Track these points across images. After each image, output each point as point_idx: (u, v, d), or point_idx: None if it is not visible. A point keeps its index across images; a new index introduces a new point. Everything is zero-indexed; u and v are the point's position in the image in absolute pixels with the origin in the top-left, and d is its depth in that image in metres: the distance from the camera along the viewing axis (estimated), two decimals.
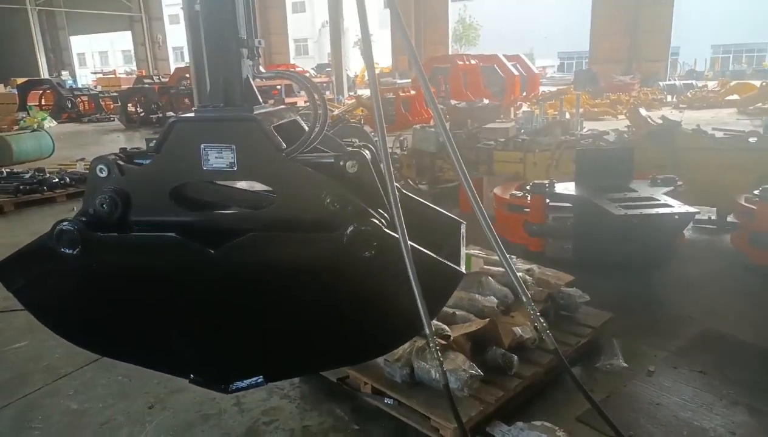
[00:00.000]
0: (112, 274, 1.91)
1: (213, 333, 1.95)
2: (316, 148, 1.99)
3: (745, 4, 40.48)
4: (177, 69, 23.24)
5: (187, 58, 30.65)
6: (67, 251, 1.85)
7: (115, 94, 22.02)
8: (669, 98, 19.68)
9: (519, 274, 3.36)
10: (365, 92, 20.17)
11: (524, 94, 17.57)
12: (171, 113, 16.12)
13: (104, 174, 1.91)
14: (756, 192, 4.41)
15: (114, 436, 2.73)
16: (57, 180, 8.23)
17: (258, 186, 2.11)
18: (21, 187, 7.80)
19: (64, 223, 1.85)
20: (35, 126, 14.95)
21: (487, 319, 2.94)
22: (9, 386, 3.18)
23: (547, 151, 6.26)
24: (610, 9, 24.91)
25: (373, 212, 1.81)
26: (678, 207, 4.16)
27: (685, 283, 4.35)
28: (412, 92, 15.79)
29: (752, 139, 5.93)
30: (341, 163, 1.86)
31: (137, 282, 1.92)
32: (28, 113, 18.57)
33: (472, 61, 16.82)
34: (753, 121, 12.96)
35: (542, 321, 2.03)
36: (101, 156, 1.91)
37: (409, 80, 20.26)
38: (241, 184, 2.27)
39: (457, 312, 3.03)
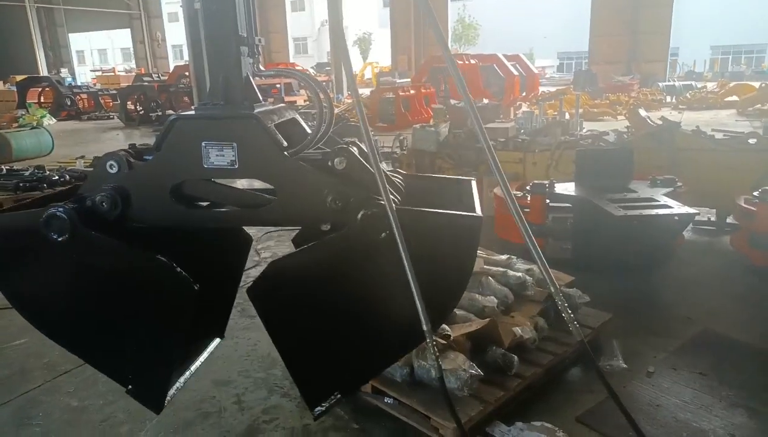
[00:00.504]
0: (95, 272, 1.91)
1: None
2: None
3: (744, 6, 40.52)
4: (176, 67, 23.27)
5: (186, 56, 30.64)
6: (54, 236, 1.85)
7: (114, 91, 22.01)
8: (668, 99, 19.70)
9: (518, 275, 3.39)
10: (365, 91, 20.15)
11: (524, 94, 17.60)
12: (170, 111, 16.10)
13: (114, 170, 1.91)
14: (755, 193, 4.42)
15: (114, 433, 2.74)
16: (57, 177, 8.21)
17: (257, 184, 2.11)
18: (20, 185, 7.78)
19: (59, 209, 1.83)
20: (34, 123, 14.95)
21: (488, 319, 2.95)
22: (10, 383, 3.18)
23: (546, 151, 6.27)
24: (609, 9, 24.91)
25: (377, 197, 1.82)
26: (677, 208, 4.17)
27: (685, 284, 4.36)
28: (412, 91, 15.79)
29: (752, 140, 5.94)
30: (329, 163, 1.86)
31: (119, 288, 1.92)
32: (28, 111, 18.55)
33: (472, 61, 16.84)
34: (752, 122, 12.98)
35: (569, 311, 2.05)
36: (112, 152, 1.91)
37: (409, 79, 20.26)
38: (240, 183, 2.28)
39: (457, 312, 3.03)
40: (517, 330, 2.96)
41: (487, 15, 48.11)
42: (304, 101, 18.34)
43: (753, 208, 4.40)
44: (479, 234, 1.82)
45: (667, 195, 4.50)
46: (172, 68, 26.76)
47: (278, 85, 18.80)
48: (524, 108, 15.60)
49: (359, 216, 1.77)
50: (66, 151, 12.02)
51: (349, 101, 19.65)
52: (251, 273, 4.83)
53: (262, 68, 2.19)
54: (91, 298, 1.96)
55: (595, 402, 2.77)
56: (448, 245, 1.81)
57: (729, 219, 5.48)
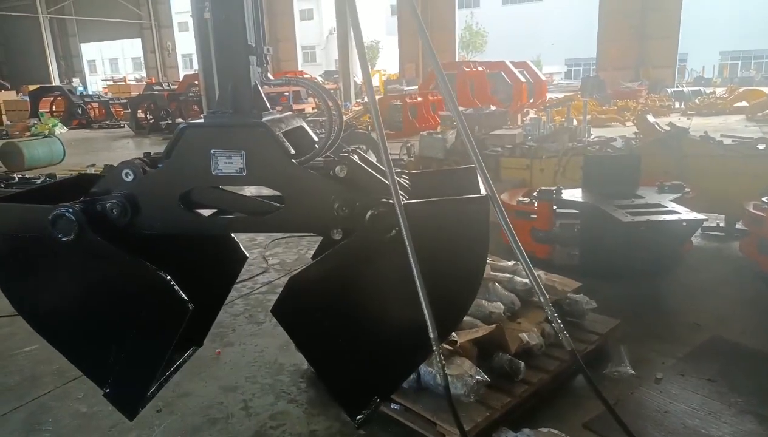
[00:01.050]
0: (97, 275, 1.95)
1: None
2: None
3: (753, 11, 40.31)
4: (186, 76, 23.45)
5: (195, 66, 30.89)
6: (59, 235, 1.87)
7: (125, 100, 22.25)
8: (677, 105, 19.61)
9: (525, 281, 3.39)
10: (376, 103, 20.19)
11: (531, 100, 17.57)
12: (180, 120, 16.25)
13: (130, 178, 1.94)
14: (764, 199, 4.39)
15: None
16: None
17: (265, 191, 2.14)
18: None
19: (68, 209, 1.86)
20: (46, 132, 15.15)
21: (494, 325, 2.95)
22: (20, 389, 3.22)
23: (554, 158, 6.27)
24: (617, 15, 24.88)
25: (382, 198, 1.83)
26: (685, 214, 4.15)
27: (693, 290, 4.33)
28: (419, 99, 15.84)
29: (761, 146, 5.91)
30: (331, 172, 1.89)
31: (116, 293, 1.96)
32: (40, 120, 18.80)
33: (479, 68, 16.86)
34: (762, 127, 12.90)
35: (559, 322, 2.03)
36: (128, 160, 1.94)
37: (416, 87, 20.32)
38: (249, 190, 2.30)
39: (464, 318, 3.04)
40: (524, 336, 2.96)
41: (495, 22, 48.22)
42: (312, 109, 18.46)
43: (762, 214, 4.37)
44: (488, 216, 1.81)
45: (675, 201, 4.48)
46: (182, 77, 26.97)
47: (287, 93, 18.92)
48: (532, 114, 15.59)
49: (367, 217, 1.79)
50: (77, 159, 12.16)
51: (357, 109, 19.73)
52: (259, 279, 4.87)
53: (271, 77, 2.22)
54: (84, 299, 1.99)
55: (603, 409, 2.75)
56: (458, 232, 1.81)
57: (738, 225, 5.44)
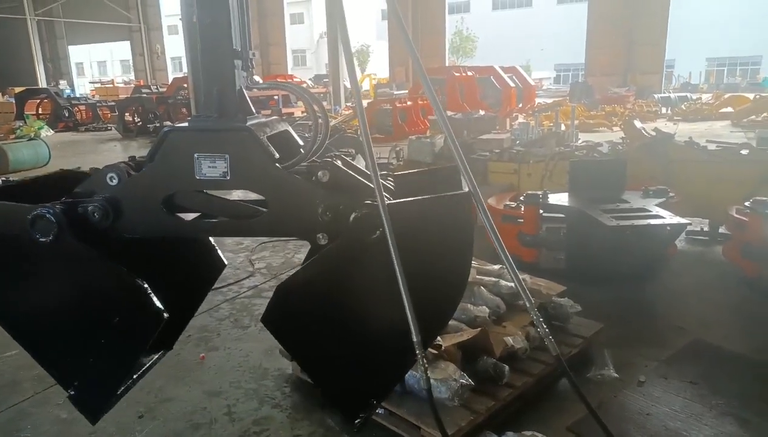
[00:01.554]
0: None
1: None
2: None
3: (740, 18, 40.93)
4: (175, 79, 23.37)
5: (185, 69, 30.78)
6: (37, 236, 1.85)
7: (112, 103, 22.09)
8: (664, 110, 19.83)
9: (510, 284, 3.40)
10: (363, 103, 20.23)
11: (520, 105, 17.69)
12: (168, 123, 16.17)
13: (114, 182, 1.93)
14: (747, 204, 4.44)
15: None
16: None
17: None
18: None
19: (48, 210, 1.84)
20: (32, 135, 15.00)
21: (479, 329, 2.95)
22: None
23: (541, 162, 6.30)
24: (605, 22, 25.14)
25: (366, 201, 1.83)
26: (670, 218, 4.20)
27: (677, 294, 4.37)
28: (409, 103, 15.87)
29: (744, 151, 5.99)
30: (313, 177, 1.88)
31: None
32: (25, 122, 18.62)
33: (469, 73, 16.94)
34: (746, 133, 13.05)
35: (544, 326, 2.04)
36: (113, 164, 1.92)
37: (406, 91, 20.37)
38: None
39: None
40: (509, 339, 2.97)
41: (485, 27, 48.51)
42: (302, 112, 18.43)
43: (745, 219, 4.42)
44: (470, 213, 1.81)
45: (659, 205, 4.52)
46: (170, 80, 26.86)
47: (276, 97, 18.90)
48: (521, 119, 15.68)
49: (351, 219, 1.79)
50: (63, 162, 12.04)
51: (347, 112, 19.74)
52: (245, 283, 4.84)
53: (259, 80, 2.21)
54: (57, 301, 1.97)
55: (586, 412, 2.76)
56: (442, 229, 1.80)
57: (721, 230, 5.50)
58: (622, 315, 3.94)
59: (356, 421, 1.94)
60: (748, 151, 6.02)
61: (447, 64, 27.41)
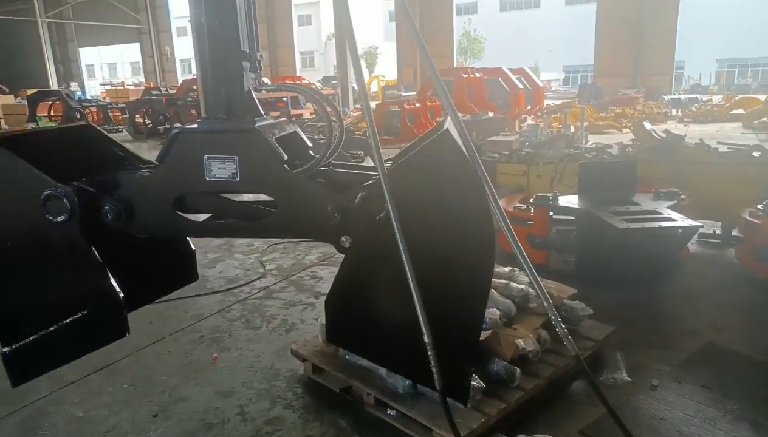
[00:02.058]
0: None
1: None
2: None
3: (751, 19, 40.60)
4: (184, 81, 23.47)
5: (194, 70, 30.92)
6: (45, 213, 1.93)
7: (123, 105, 22.20)
8: (674, 112, 19.71)
9: (521, 287, 3.40)
10: (371, 105, 20.28)
11: (529, 107, 17.63)
12: (178, 124, 16.26)
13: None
14: (760, 206, 4.42)
15: None
16: None
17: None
18: None
19: (65, 192, 1.91)
20: None
21: (490, 331, 2.95)
22: (17, 392, 3.17)
23: (550, 164, 6.29)
24: (614, 23, 25.04)
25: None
26: (681, 221, 4.17)
27: (689, 297, 4.34)
28: (417, 105, 15.87)
29: (756, 153, 5.94)
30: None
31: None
32: (38, 124, 18.78)
33: (477, 74, 16.91)
34: (758, 134, 12.95)
35: (563, 326, 2.03)
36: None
37: (414, 93, 20.37)
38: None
39: None
40: (520, 342, 2.96)
41: (493, 29, 48.43)
42: (311, 114, 18.48)
43: (757, 221, 4.39)
44: (460, 147, 1.78)
45: (670, 208, 4.50)
46: (180, 82, 27.00)
47: (285, 99, 18.95)
48: (529, 121, 15.64)
49: (357, 200, 1.82)
50: None
51: (356, 114, 19.76)
52: (256, 284, 4.87)
53: (267, 81, 2.24)
54: (36, 271, 2.05)
55: (599, 415, 2.76)
56: (441, 172, 1.77)
57: (734, 232, 5.46)
58: (633, 318, 3.92)
59: (468, 399, 1.94)
60: (760, 152, 5.97)
61: (455, 66, 27.41)
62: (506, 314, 3.24)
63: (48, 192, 1.90)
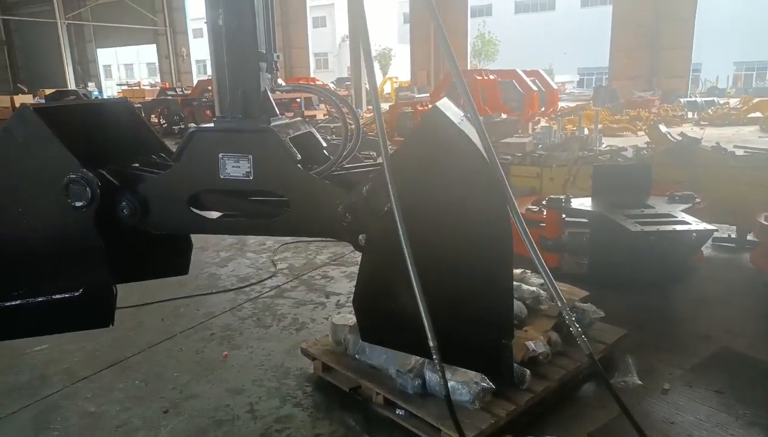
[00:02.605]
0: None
1: None
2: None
3: None
4: (199, 81, 23.67)
5: (209, 71, 31.18)
6: (65, 197, 1.97)
7: (139, 105, 22.44)
8: (690, 115, 19.50)
9: (532, 289, 3.39)
10: (384, 106, 20.32)
11: (542, 109, 17.53)
12: (193, 124, 16.41)
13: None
14: None
15: None
16: None
17: None
18: None
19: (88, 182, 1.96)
20: None
21: None
22: (30, 387, 3.26)
23: (564, 167, 6.25)
24: (630, 25, 24.80)
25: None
26: (696, 224, 4.13)
27: (703, 301, 4.29)
28: (430, 106, 15.86)
29: None
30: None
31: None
32: None
33: (491, 77, 16.85)
34: None
35: (577, 326, 2.01)
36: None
37: (428, 95, 20.35)
38: None
39: None
40: (530, 344, 2.95)
41: (507, 30, 48.25)
42: (324, 115, 18.53)
43: None
44: (454, 122, 1.78)
45: (685, 211, 4.45)
46: (195, 83, 27.25)
47: (298, 100, 19.03)
48: (543, 123, 15.56)
49: (364, 191, 1.84)
50: None
51: (369, 115, 19.80)
52: (267, 283, 4.90)
53: (282, 82, 2.26)
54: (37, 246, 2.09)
55: (608, 418, 2.74)
56: (439, 147, 1.76)
57: (749, 237, 5.39)
58: (645, 321, 3.89)
59: (512, 374, 1.93)
60: None
61: (469, 68, 27.32)
62: (517, 316, 3.23)
63: (73, 176, 1.94)
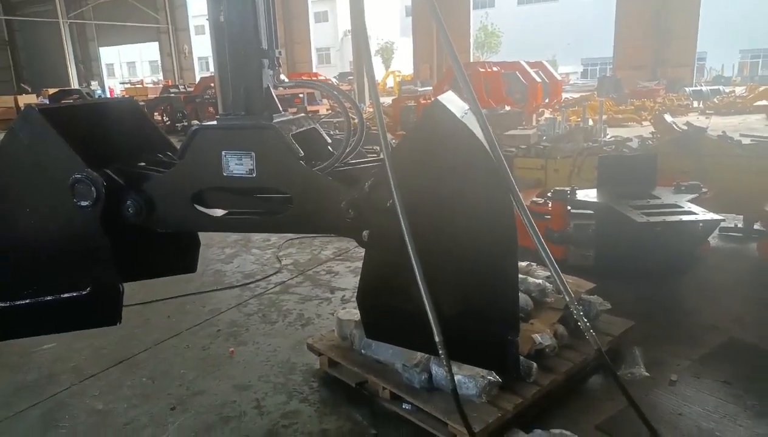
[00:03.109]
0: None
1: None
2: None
3: None
4: (202, 78, 23.66)
5: (211, 68, 31.18)
6: (72, 197, 1.99)
7: (142, 103, 22.50)
8: (695, 104, 19.35)
9: (538, 282, 3.37)
10: (387, 100, 20.27)
11: (546, 100, 17.44)
12: (196, 121, 16.42)
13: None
14: None
15: (136, 436, 2.80)
16: None
17: None
18: None
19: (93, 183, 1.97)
20: None
21: None
22: (38, 385, 3.27)
23: (569, 158, 6.22)
24: (634, 14, 24.61)
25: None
26: (702, 214, 4.10)
27: (710, 291, 4.27)
28: (433, 100, 15.81)
29: None
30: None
31: None
32: None
33: (494, 68, 16.77)
34: None
35: (585, 320, 2.00)
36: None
37: (431, 88, 20.29)
38: None
39: None
40: (537, 337, 2.94)
41: (510, 22, 47.97)
42: (327, 110, 18.50)
43: None
44: (450, 112, 1.77)
45: (691, 201, 4.42)
46: (198, 80, 27.25)
47: (301, 95, 19.00)
48: (547, 115, 15.49)
49: (366, 186, 1.84)
50: None
51: (371, 109, 19.76)
52: (272, 279, 4.90)
53: (285, 79, 2.25)
54: (45, 246, 2.11)
55: (615, 410, 2.73)
56: (442, 142, 1.75)
57: (756, 226, 5.35)
58: (652, 313, 3.87)
59: (518, 368, 1.94)
60: None
61: (472, 60, 27.20)
62: (523, 309, 3.21)
63: (78, 176, 1.95)
